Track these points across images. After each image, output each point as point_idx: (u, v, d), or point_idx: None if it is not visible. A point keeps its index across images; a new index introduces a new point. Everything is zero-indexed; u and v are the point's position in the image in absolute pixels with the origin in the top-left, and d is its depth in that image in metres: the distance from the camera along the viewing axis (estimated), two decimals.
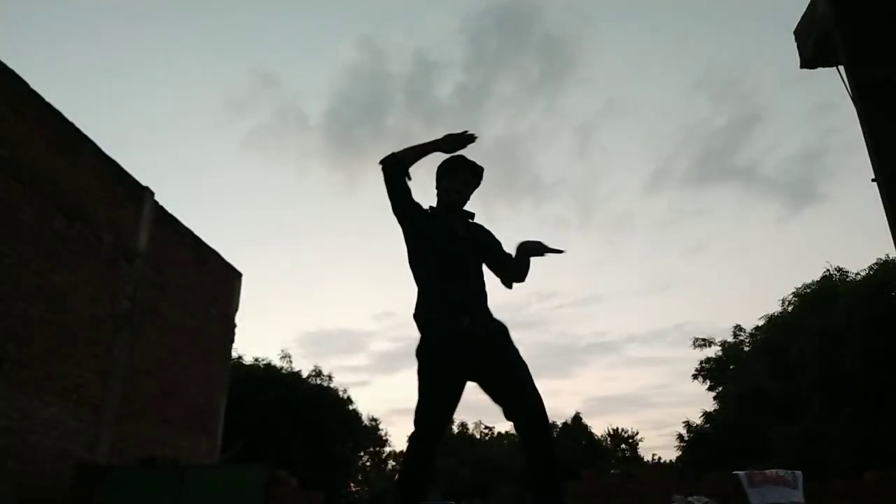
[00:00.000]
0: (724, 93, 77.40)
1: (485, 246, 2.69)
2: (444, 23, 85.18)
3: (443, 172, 2.71)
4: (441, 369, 2.35)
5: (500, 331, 2.48)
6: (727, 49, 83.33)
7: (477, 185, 2.73)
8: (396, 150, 2.69)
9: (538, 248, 2.67)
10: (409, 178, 2.66)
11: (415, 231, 2.63)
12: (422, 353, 2.40)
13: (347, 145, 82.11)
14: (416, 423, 2.30)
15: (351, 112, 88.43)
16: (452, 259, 2.57)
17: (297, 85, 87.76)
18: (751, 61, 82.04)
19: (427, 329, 2.44)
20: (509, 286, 2.72)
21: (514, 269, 2.68)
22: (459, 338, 2.36)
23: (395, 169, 2.62)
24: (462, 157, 2.69)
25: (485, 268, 2.69)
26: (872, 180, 10.06)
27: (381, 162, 2.65)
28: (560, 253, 2.66)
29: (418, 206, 2.67)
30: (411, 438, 2.31)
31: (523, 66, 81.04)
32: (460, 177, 2.67)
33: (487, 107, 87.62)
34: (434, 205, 2.74)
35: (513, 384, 2.33)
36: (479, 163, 2.71)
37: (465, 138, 2.64)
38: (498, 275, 2.70)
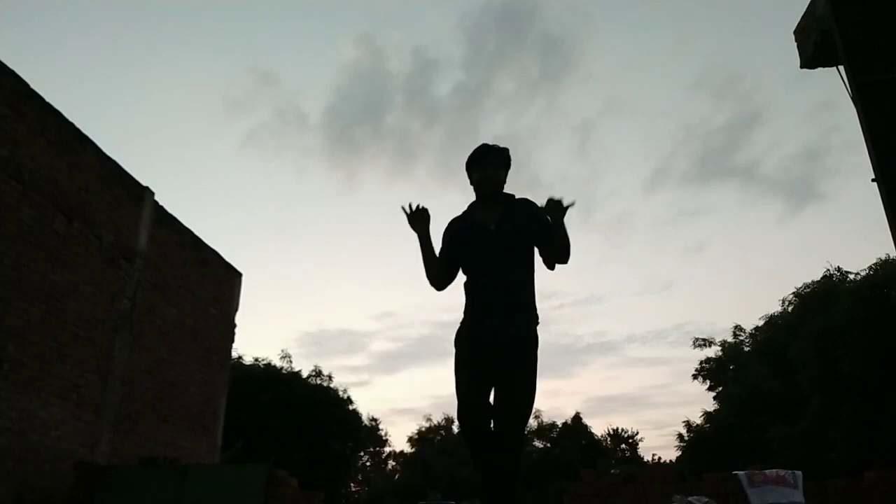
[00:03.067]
0: (724, 91, 77.34)
1: (524, 232, 2.63)
2: (442, 21, 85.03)
3: (471, 166, 2.72)
4: (462, 365, 2.51)
5: (518, 338, 2.47)
6: (727, 47, 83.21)
7: (507, 164, 2.74)
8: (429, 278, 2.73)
9: (553, 211, 2.55)
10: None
11: (448, 246, 2.72)
12: (455, 343, 2.60)
13: (347, 144, 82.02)
14: (457, 397, 2.47)
15: (350, 110, 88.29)
16: (482, 260, 2.59)
17: (296, 83, 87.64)
18: (751, 59, 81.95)
19: (459, 328, 2.60)
20: (550, 268, 2.70)
21: (550, 252, 2.65)
22: (479, 344, 2.47)
23: (438, 284, 2.72)
24: (484, 145, 2.71)
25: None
26: (872, 180, 10.07)
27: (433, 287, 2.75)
28: (571, 205, 2.53)
29: (446, 231, 2.74)
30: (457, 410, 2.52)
31: (522, 65, 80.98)
32: (489, 163, 2.67)
33: (487, 105, 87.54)
34: (474, 198, 2.77)
35: (501, 401, 2.42)
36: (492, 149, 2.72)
37: (417, 211, 2.68)
38: (541, 256, 2.68)
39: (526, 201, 2.72)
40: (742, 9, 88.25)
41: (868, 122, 9.99)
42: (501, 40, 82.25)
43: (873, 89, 9.95)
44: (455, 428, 40.23)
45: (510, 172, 2.78)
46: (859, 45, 9.92)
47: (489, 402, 2.45)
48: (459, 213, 2.81)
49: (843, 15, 10.16)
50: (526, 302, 2.56)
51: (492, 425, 2.42)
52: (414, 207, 2.67)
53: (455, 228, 2.72)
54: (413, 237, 2.71)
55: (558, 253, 2.64)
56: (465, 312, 2.60)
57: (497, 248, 2.57)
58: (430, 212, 2.70)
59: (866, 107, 10.00)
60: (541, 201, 2.61)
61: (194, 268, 10.88)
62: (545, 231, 2.62)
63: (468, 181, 2.77)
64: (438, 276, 2.68)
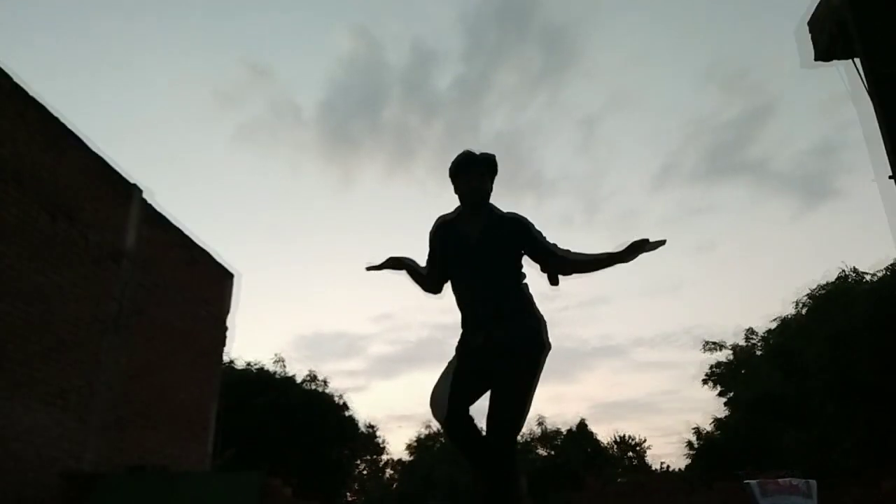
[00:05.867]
0: (734, 83, 75.87)
1: (507, 244, 2.60)
2: (441, 11, 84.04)
3: (454, 174, 2.70)
4: (450, 369, 2.55)
5: (514, 344, 2.43)
6: (738, 37, 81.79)
7: (492, 172, 2.70)
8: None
9: (640, 247, 2.45)
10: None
11: (438, 259, 2.75)
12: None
13: (343, 139, 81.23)
14: (433, 394, 2.54)
15: (346, 104, 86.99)
16: (465, 272, 2.62)
17: (290, 76, 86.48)
18: (764, 50, 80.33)
19: (458, 344, 2.63)
20: (554, 283, 2.62)
21: (552, 266, 2.61)
22: (474, 354, 2.50)
23: (434, 291, 2.81)
24: (467, 153, 2.69)
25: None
26: (890, 177, 9.73)
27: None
28: (662, 243, 2.47)
29: (431, 236, 2.76)
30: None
31: (524, 57, 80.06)
32: (472, 172, 2.65)
33: (487, 99, 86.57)
34: (459, 206, 2.74)
35: (492, 408, 2.37)
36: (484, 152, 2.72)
37: (386, 264, 2.80)
38: (543, 271, 2.63)
39: (514, 217, 2.67)
40: None
41: (885, 117, 9.67)
42: (503, 31, 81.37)
43: (891, 82, 9.63)
44: None
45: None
46: (877, 36, 9.60)
47: (467, 409, 2.47)
48: (451, 210, 2.79)
49: (859, 6, 9.84)
50: (515, 309, 2.53)
51: (482, 429, 2.44)
52: (379, 265, 2.76)
53: (439, 239, 2.73)
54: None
55: (567, 273, 2.63)
56: (461, 325, 2.64)
57: (478, 262, 2.57)
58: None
59: (883, 100, 9.68)
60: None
61: (184, 268, 10.67)
62: (537, 249, 2.61)
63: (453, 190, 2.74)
64: (431, 285, 2.77)
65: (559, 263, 2.59)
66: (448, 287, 2.73)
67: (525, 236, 2.61)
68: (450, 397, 2.44)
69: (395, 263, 2.73)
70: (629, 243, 2.43)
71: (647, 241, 2.41)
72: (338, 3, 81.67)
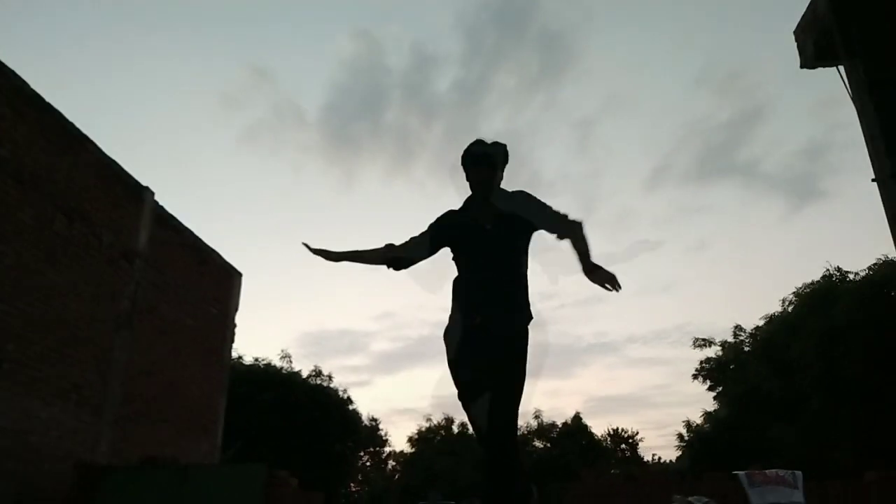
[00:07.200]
0: (726, 87, 76.41)
1: (520, 229, 2.65)
2: (441, 15, 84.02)
3: (465, 164, 2.71)
4: (452, 360, 2.52)
5: (507, 336, 2.44)
6: (730, 42, 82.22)
7: (504, 161, 2.73)
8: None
9: (608, 278, 2.62)
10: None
11: (444, 243, 2.75)
12: (444, 339, 2.61)
13: (344, 141, 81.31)
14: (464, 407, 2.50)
15: (348, 107, 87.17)
16: (475, 258, 2.62)
17: (293, 79, 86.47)
18: (754, 54, 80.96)
19: (447, 324, 2.61)
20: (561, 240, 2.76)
21: (562, 232, 2.71)
22: (469, 336, 2.47)
23: (396, 265, 2.80)
24: (478, 144, 2.70)
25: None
26: (872, 180, 10.04)
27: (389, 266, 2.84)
28: (616, 290, 2.61)
29: (437, 222, 2.75)
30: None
31: (522, 60, 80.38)
32: (483, 163, 2.66)
33: (486, 101, 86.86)
34: (469, 195, 2.77)
35: (489, 399, 2.37)
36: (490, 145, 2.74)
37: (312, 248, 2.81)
38: (559, 238, 2.74)
39: (522, 195, 2.72)
40: (744, 2, 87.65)
41: (868, 122, 9.96)
42: (501, 35, 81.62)
43: (873, 89, 9.92)
44: (455, 428, 40.40)
45: (511, 166, 2.80)
46: (859, 44, 9.89)
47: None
48: (457, 207, 2.81)
49: (843, 14, 10.12)
50: (519, 301, 2.56)
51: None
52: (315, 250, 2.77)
53: (447, 225, 2.73)
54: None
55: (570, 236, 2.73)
56: (455, 309, 2.61)
57: (492, 247, 2.58)
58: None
59: (866, 107, 9.97)
60: (541, 198, 2.71)
61: (194, 267, 10.85)
62: (548, 219, 2.69)
63: (464, 177, 2.76)
64: (397, 259, 2.75)
65: (568, 230, 2.70)
66: (449, 286, 2.72)
67: (533, 209, 2.67)
68: (468, 386, 2.43)
69: (331, 257, 2.77)
70: (603, 270, 2.62)
71: (613, 278, 2.60)
72: (339, 8, 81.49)
